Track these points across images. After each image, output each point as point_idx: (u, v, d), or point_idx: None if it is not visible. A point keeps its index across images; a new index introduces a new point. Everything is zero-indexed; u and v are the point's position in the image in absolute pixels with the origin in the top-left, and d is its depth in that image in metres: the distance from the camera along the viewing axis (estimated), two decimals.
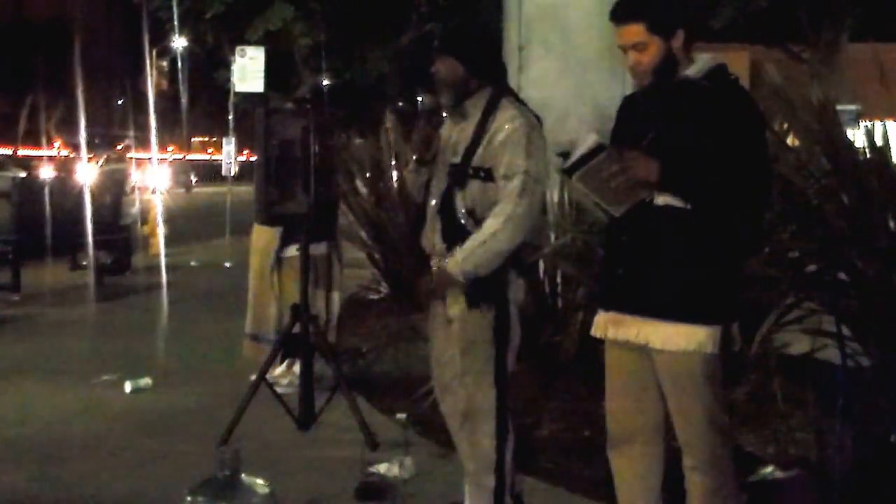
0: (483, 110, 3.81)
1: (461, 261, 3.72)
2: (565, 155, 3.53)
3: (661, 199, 3.15)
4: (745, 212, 3.18)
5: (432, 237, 3.89)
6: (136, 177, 15.55)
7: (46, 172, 21.74)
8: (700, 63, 3.25)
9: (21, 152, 38.00)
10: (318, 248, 6.22)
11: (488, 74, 3.88)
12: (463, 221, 3.77)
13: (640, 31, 3.20)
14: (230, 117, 18.20)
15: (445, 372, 3.97)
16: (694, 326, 3.16)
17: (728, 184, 3.09)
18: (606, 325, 3.35)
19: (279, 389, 5.67)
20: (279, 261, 6.37)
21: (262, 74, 14.76)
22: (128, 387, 6.38)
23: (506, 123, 3.76)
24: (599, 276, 3.49)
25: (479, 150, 3.78)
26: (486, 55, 3.93)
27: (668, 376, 3.24)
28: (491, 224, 3.70)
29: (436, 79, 3.88)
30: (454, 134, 3.89)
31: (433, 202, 3.89)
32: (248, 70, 14.95)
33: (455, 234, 3.78)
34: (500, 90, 3.88)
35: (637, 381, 3.33)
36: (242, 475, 3.50)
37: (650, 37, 3.19)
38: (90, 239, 10.89)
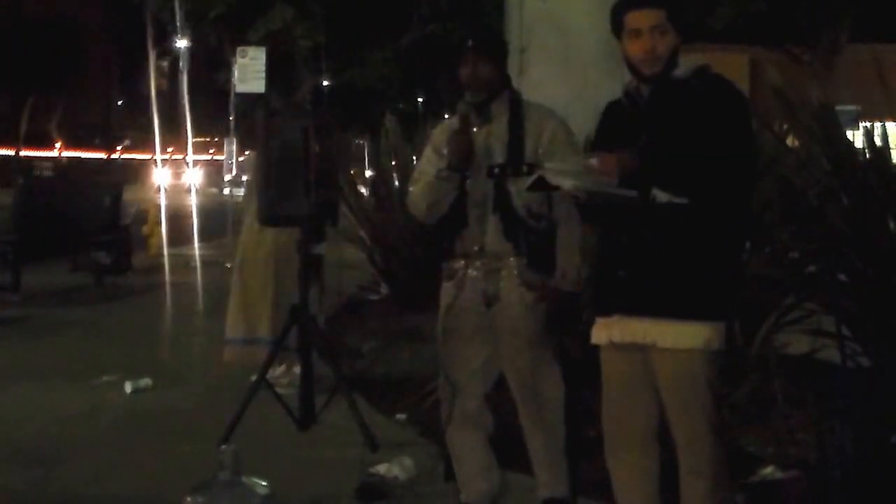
0: (510, 111, 3.92)
1: (572, 275, 3.83)
2: None
3: (662, 197, 3.12)
4: (739, 199, 3.18)
5: (481, 239, 3.92)
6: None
7: None
8: (686, 64, 3.27)
9: None
10: (316, 249, 6.21)
11: (507, 77, 4.05)
12: (522, 218, 3.84)
13: (660, 15, 3.20)
14: (231, 118, 18.17)
15: (474, 361, 4.03)
16: (701, 323, 3.15)
17: (723, 174, 3.09)
18: (610, 329, 3.30)
19: (279, 390, 5.66)
20: (275, 262, 6.38)
21: (262, 75, 14.72)
22: (128, 387, 6.39)
23: (544, 122, 3.91)
24: (596, 281, 3.45)
25: (528, 148, 3.87)
26: (507, 58, 4.08)
27: (671, 376, 3.22)
28: (567, 228, 3.82)
29: (471, 79, 3.93)
30: (480, 136, 3.93)
31: (476, 205, 3.90)
32: (249, 70, 14.90)
33: (517, 232, 3.86)
34: (516, 92, 4.04)
35: (635, 386, 3.31)
36: (242, 476, 3.51)
37: (668, 25, 3.21)
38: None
